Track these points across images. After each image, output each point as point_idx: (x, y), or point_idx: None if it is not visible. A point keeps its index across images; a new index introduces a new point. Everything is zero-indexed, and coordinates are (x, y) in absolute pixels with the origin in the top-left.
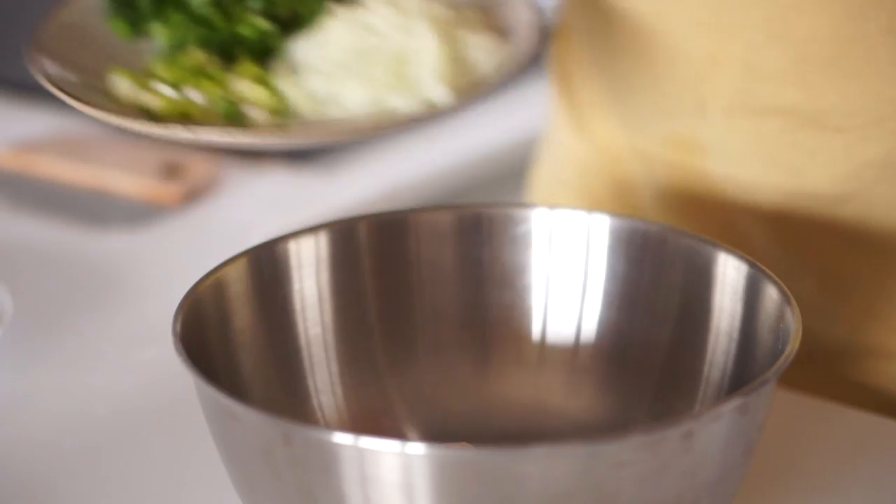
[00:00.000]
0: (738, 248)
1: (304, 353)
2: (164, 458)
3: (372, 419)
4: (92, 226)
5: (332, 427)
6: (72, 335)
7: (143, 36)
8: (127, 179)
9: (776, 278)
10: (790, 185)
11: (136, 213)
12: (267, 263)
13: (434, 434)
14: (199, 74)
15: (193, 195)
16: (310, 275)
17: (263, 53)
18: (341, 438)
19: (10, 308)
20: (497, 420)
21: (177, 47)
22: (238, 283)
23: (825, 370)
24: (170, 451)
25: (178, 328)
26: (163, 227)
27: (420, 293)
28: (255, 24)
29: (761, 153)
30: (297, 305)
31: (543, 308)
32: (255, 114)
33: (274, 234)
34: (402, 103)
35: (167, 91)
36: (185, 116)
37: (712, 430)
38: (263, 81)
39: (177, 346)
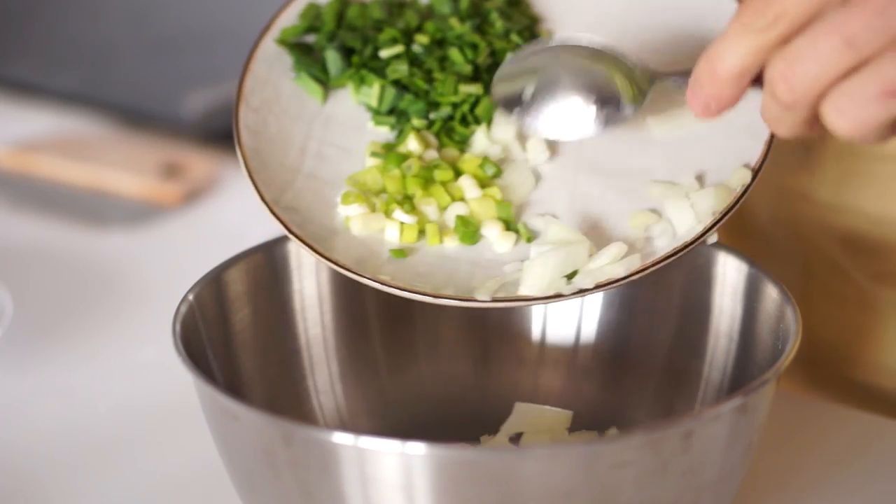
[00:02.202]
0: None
1: (304, 353)
2: (164, 458)
3: (372, 419)
4: (92, 226)
5: (332, 427)
6: (71, 335)
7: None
8: (127, 179)
9: (776, 278)
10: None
11: (136, 213)
12: (267, 263)
13: (434, 434)
14: (425, 179)
15: (193, 195)
16: (310, 275)
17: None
18: (341, 438)
19: (10, 308)
20: (497, 420)
21: (388, 111)
22: (238, 283)
23: (825, 370)
24: (170, 451)
25: (178, 328)
26: (163, 227)
27: None
28: (463, 88)
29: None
30: (297, 305)
31: (543, 308)
32: (490, 232)
33: (274, 234)
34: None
35: (404, 218)
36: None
37: (712, 429)
38: (486, 182)
39: (177, 346)
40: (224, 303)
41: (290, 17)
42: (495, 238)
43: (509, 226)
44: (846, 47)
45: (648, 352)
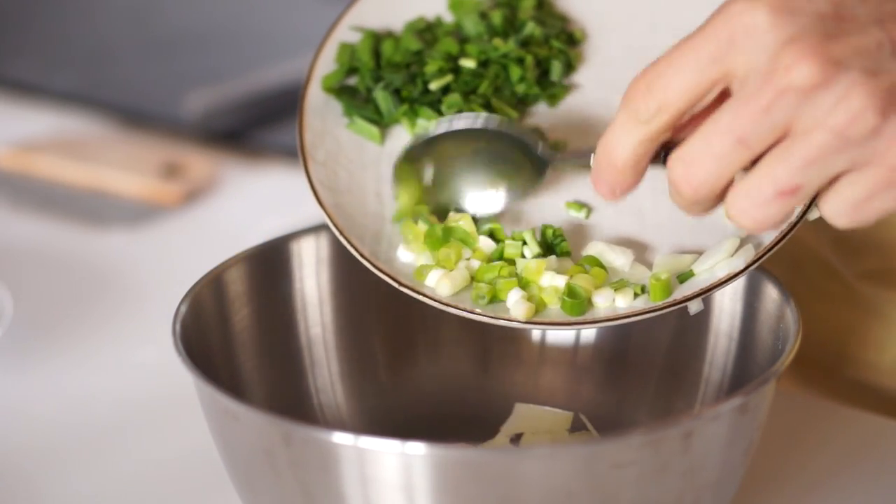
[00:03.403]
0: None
1: (304, 353)
2: (164, 457)
3: (372, 419)
4: (92, 226)
5: (332, 427)
6: (72, 335)
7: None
8: (127, 179)
9: (776, 278)
10: None
11: (136, 213)
12: (267, 263)
13: (434, 434)
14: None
15: (193, 195)
16: (310, 274)
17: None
18: (341, 438)
19: (10, 308)
20: (497, 420)
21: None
22: (238, 283)
23: (814, 368)
24: (170, 451)
25: (178, 328)
26: (163, 227)
27: None
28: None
29: None
30: (298, 305)
31: None
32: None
33: (274, 234)
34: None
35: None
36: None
37: (712, 429)
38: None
39: (177, 346)
40: (224, 303)
41: (327, 63)
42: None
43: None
44: (739, 146)
45: (648, 352)
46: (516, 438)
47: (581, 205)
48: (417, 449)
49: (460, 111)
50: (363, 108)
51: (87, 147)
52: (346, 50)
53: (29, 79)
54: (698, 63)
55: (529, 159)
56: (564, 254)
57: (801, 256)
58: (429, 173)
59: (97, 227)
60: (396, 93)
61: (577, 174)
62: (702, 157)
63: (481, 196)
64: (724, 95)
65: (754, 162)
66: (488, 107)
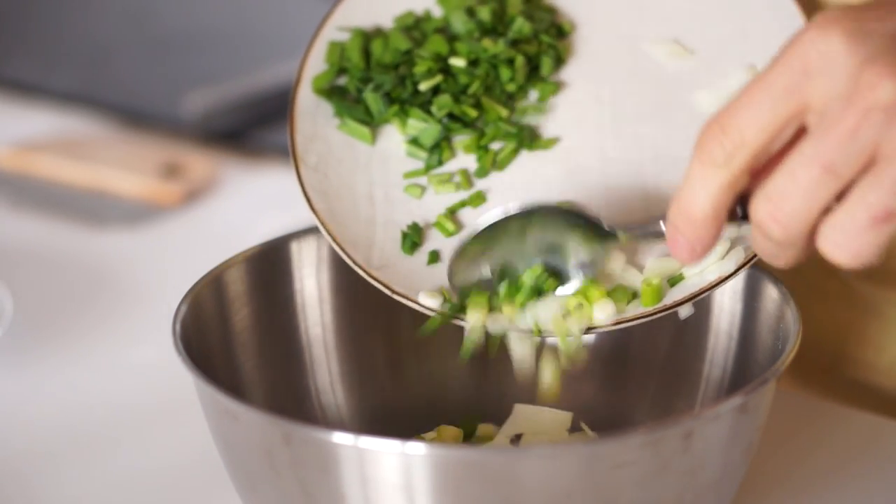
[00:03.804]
0: None
1: (305, 353)
2: (163, 457)
3: (372, 419)
4: (92, 226)
5: (332, 427)
6: (71, 335)
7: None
8: (127, 179)
9: (776, 278)
10: None
11: (136, 213)
12: (267, 263)
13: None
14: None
15: (193, 195)
16: (310, 274)
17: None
18: (341, 438)
19: (10, 308)
20: (497, 421)
21: (435, 147)
22: (238, 283)
23: (811, 367)
24: (169, 451)
25: (178, 328)
26: (163, 227)
27: None
28: (499, 111)
29: None
30: (298, 305)
31: None
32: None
33: (274, 234)
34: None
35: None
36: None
37: (712, 429)
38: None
39: (177, 346)
40: (224, 303)
41: (316, 63)
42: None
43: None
44: (827, 175)
45: (648, 352)
46: (516, 440)
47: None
48: (417, 449)
49: (451, 113)
50: (354, 108)
51: (87, 147)
52: (336, 49)
53: (29, 79)
54: (773, 97)
55: (594, 236)
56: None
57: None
58: (486, 267)
59: (97, 227)
60: (386, 94)
61: (641, 244)
62: (788, 192)
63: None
64: (799, 136)
65: (841, 196)
66: (479, 106)
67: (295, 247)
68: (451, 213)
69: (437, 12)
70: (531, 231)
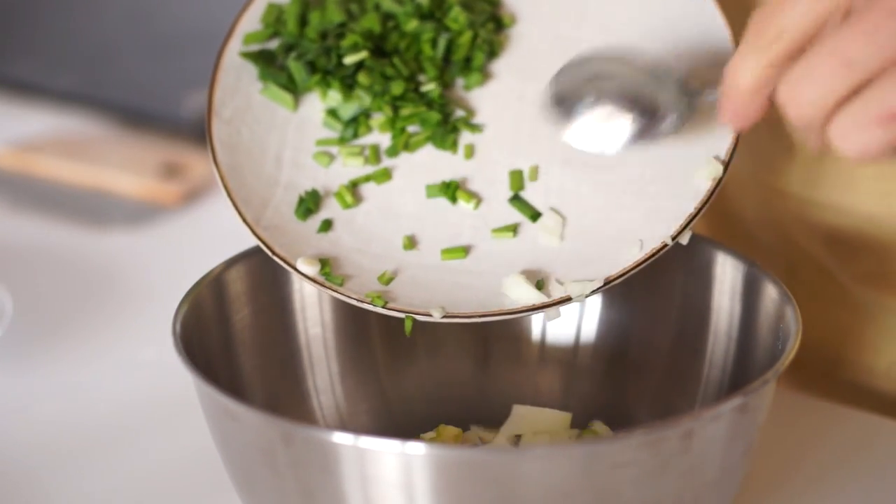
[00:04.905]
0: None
1: (304, 353)
2: (164, 458)
3: (372, 419)
4: (92, 226)
5: (332, 427)
6: (71, 335)
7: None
8: (127, 179)
9: (776, 278)
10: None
11: (136, 213)
12: (267, 263)
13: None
14: None
15: (193, 195)
16: None
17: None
18: (341, 438)
19: (10, 308)
20: (497, 421)
21: (352, 121)
22: (238, 283)
23: (810, 370)
24: (170, 451)
25: (178, 328)
26: (163, 227)
27: None
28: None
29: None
30: (297, 305)
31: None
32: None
33: None
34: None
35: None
36: None
37: (712, 429)
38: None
39: (177, 346)
40: (224, 303)
41: (251, 22)
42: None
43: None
44: (844, 69)
45: (648, 352)
46: (516, 440)
47: (470, 195)
48: (417, 449)
49: (371, 86)
50: (278, 74)
51: (87, 147)
52: (273, 11)
53: (29, 79)
54: None
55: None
56: None
57: (797, 259)
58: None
59: (97, 227)
60: (310, 63)
61: None
62: (806, 79)
63: (622, 125)
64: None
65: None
66: (411, 80)
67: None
68: (354, 185)
69: None
70: (624, 71)
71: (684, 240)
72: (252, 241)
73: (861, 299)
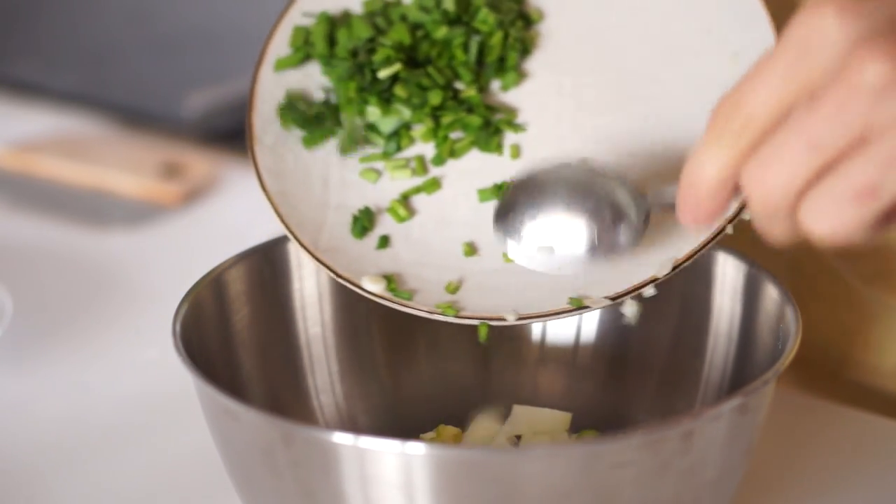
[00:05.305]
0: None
1: (304, 353)
2: (163, 457)
3: (372, 419)
4: (92, 226)
5: (332, 427)
6: (71, 335)
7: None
8: (127, 179)
9: (776, 278)
10: None
11: (136, 213)
12: (267, 263)
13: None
14: None
15: (193, 195)
16: (310, 274)
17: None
18: (341, 438)
19: (10, 308)
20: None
21: (394, 134)
22: (238, 283)
23: (814, 370)
24: (170, 451)
25: (178, 328)
26: (163, 227)
27: None
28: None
29: None
30: (297, 305)
31: None
32: None
33: (274, 233)
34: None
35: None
36: None
37: (712, 429)
38: None
39: (177, 346)
40: (224, 302)
41: (280, 46)
42: None
43: None
44: (811, 151)
45: (648, 352)
46: (516, 440)
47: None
48: (417, 449)
49: (409, 98)
50: (318, 126)
51: (87, 147)
52: (301, 34)
53: (29, 79)
54: (777, 74)
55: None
56: None
57: (802, 258)
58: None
59: (97, 227)
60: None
61: None
62: (773, 163)
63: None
64: None
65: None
66: (448, 88)
67: (295, 246)
68: (405, 198)
69: None
70: (572, 180)
71: (747, 215)
72: (251, 242)
73: (867, 299)
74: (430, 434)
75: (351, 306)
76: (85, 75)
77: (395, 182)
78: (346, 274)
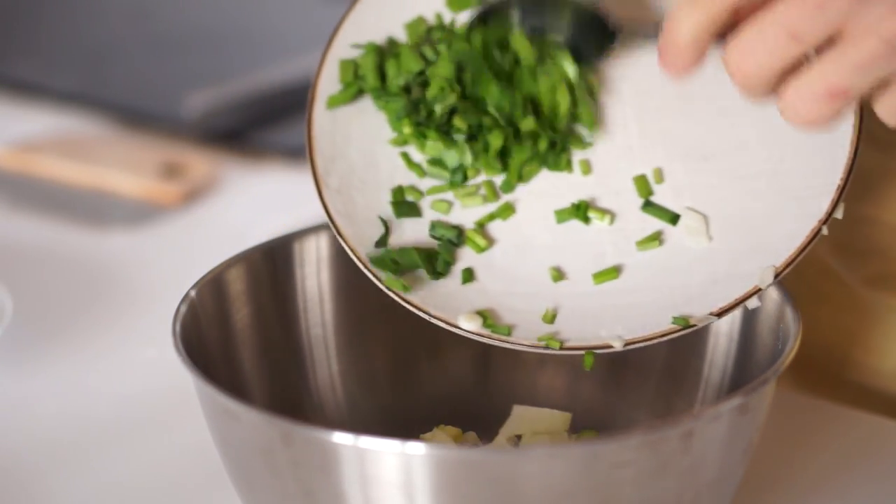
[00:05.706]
0: None
1: (305, 353)
2: (163, 457)
3: (372, 419)
4: (92, 226)
5: (332, 427)
6: (72, 335)
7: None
8: (127, 179)
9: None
10: None
11: (136, 213)
12: (267, 263)
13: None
14: None
15: (193, 195)
16: (311, 274)
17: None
18: (341, 438)
19: (10, 308)
20: (497, 420)
21: (458, 167)
22: (238, 283)
23: (815, 371)
24: (170, 451)
25: (178, 328)
26: (163, 227)
27: None
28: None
29: None
30: (298, 305)
31: None
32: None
33: (274, 233)
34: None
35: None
36: None
37: (712, 429)
38: None
39: (177, 346)
40: (224, 302)
41: (329, 81)
42: None
43: None
44: (791, 40)
45: (648, 352)
46: (516, 440)
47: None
48: (417, 449)
49: (469, 127)
50: (401, 267)
51: (87, 147)
52: (349, 68)
53: (29, 79)
54: None
55: (596, 30)
56: None
57: (803, 260)
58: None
59: (97, 227)
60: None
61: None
62: (754, 48)
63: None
64: None
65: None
66: (509, 122)
67: (296, 247)
68: (481, 226)
69: (448, 16)
70: (534, 19)
71: (839, 213)
72: (251, 242)
73: (868, 301)
74: (431, 434)
75: (352, 307)
76: (85, 75)
77: (467, 211)
78: (439, 314)
